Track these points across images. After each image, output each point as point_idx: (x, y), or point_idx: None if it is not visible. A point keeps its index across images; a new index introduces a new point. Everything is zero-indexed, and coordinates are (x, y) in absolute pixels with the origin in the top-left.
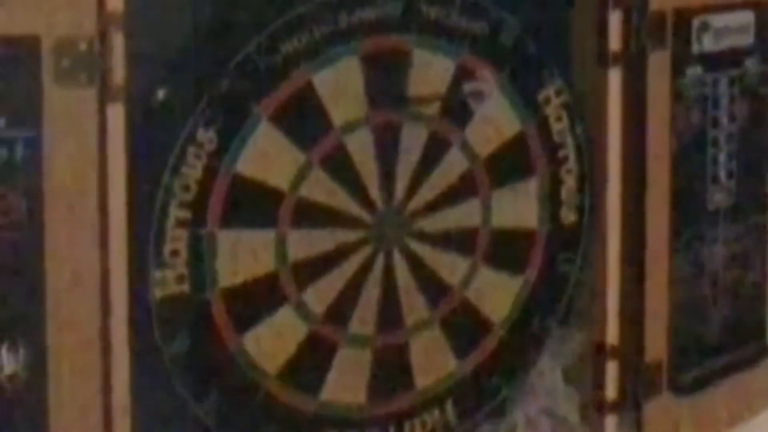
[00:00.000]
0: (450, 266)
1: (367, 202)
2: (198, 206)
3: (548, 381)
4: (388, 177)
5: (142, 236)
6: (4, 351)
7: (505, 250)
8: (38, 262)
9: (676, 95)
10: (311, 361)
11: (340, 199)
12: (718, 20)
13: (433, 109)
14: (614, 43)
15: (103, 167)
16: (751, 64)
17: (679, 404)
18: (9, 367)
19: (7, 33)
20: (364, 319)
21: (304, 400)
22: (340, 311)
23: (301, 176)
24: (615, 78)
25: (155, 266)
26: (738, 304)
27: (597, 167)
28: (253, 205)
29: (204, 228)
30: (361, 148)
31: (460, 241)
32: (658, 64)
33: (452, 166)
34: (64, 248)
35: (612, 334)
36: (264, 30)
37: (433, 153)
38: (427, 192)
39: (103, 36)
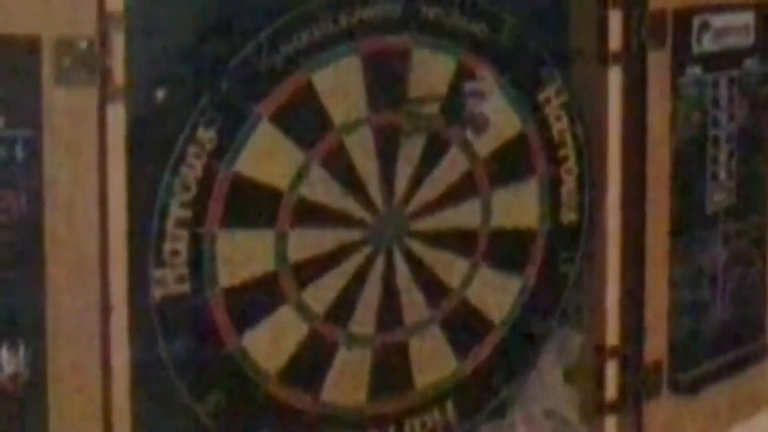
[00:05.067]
0: (450, 266)
1: (367, 202)
2: (198, 206)
3: (548, 381)
4: (388, 177)
5: (142, 236)
6: (4, 351)
7: (505, 250)
8: (38, 261)
9: (676, 95)
10: (311, 361)
11: (340, 198)
12: (718, 20)
13: (433, 109)
14: (614, 42)
15: (103, 167)
16: (751, 64)
17: (679, 404)
18: (9, 367)
19: (7, 33)
20: (364, 318)
21: (304, 400)
22: (340, 311)
23: (300, 176)
24: (615, 78)
25: (155, 266)
26: (738, 304)
27: (597, 167)
28: (253, 204)
29: (204, 228)
30: (361, 148)
31: (460, 241)
32: (658, 64)
33: (452, 166)
34: (64, 248)
35: (612, 334)
36: (264, 30)
37: (433, 153)
38: (427, 192)
39: (103, 36)
